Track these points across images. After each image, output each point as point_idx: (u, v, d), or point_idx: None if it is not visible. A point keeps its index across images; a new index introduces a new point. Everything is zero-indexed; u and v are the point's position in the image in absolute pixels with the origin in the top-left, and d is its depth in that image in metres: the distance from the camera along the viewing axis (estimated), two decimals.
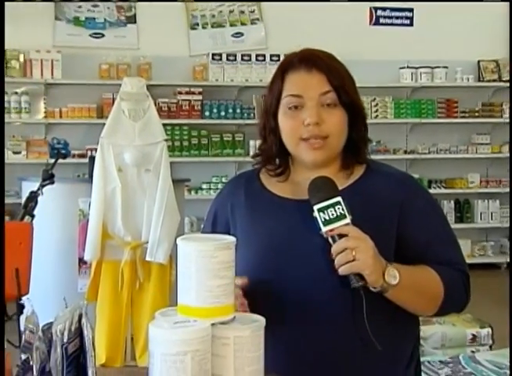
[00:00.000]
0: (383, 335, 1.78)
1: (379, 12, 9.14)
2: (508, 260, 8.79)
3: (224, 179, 8.56)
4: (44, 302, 3.08)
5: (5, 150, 8.14)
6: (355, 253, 1.67)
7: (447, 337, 4.10)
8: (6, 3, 7.99)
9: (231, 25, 8.83)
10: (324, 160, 1.88)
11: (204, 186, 8.54)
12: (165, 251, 4.97)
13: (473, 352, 3.90)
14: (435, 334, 4.01)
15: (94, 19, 8.53)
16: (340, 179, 1.86)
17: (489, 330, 4.24)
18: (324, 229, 1.71)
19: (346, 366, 1.82)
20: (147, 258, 4.98)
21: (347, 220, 1.70)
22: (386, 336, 1.81)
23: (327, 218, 1.71)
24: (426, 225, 1.88)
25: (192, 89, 8.58)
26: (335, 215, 1.70)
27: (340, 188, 1.80)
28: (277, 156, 1.95)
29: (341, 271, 1.69)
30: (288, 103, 1.87)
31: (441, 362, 3.34)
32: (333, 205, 1.71)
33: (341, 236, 1.69)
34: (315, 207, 1.73)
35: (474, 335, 4.12)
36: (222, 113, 8.62)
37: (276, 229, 1.87)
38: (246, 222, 1.93)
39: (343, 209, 1.71)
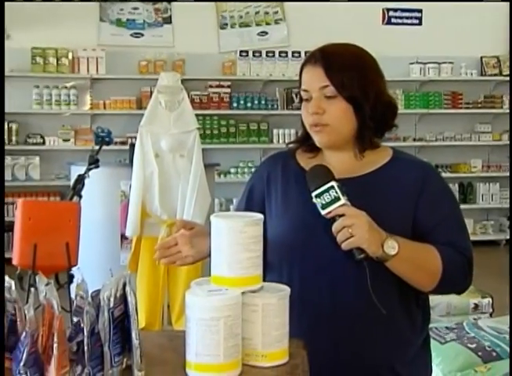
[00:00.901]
0: (391, 303, 1.78)
1: (391, 13, 9.09)
2: (507, 237, 8.83)
3: (250, 164, 8.57)
4: (90, 273, 3.10)
5: (56, 137, 8.20)
6: (351, 230, 1.67)
7: (452, 305, 4.10)
8: (56, 6, 8.03)
9: (257, 25, 8.80)
10: (331, 143, 1.88)
11: (232, 170, 8.55)
12: None
13: (475, 319, 3.90)
14: (441, 303, 4.01)
15: (134, 20, 8.54)
16: (362, 164, 1.86)
17: (490, 299, 4.24)
18: (323, 212, 1.72)
19: (359, 329, 1.82)
20: None
21: (342, 201, 1.70)
22: (394, 304, 1.81)
23: (324, 202, 1.71)
24: (438, 209, 1.86)
25: (221, 83, 8.58)
26: (330, 199, 1.71)
27: (366, 172, 1.81)
28: (310, 138, 1.93)
29: (343, 247, 1.70)
30: (302, 95, 1.88)
31: (446, 328, 3.34)
32: (327, 190, 1.71)
33: (339, 216, 1.70)
34: (313, 194, 1.74)
35: (476, 304, 4.11)
36: (249, 105, 8.61)
37: (308, 206, 1.86)
38: (282, 198, 1.92)
39: (336, 192, 1.71)
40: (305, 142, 1.96)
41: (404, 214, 1.81)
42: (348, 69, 1.83)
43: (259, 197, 1.97)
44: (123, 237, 5.42)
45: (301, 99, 1.91)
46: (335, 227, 1.70)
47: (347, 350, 1.81)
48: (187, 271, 5.08)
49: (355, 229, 1.67)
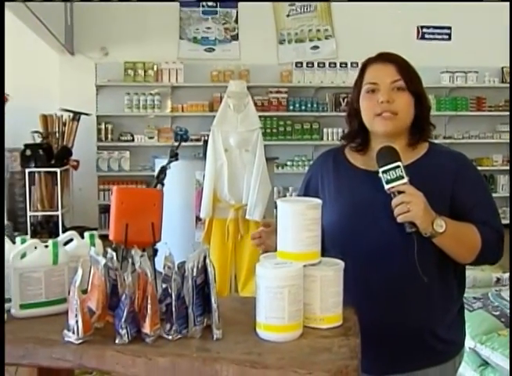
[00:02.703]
0: (432, 273, 1.75)
1: (424, 30, 8.94)
2: None
3: (303, 158, 8.53)
4: (170, 248, 3.14)
5: (143, 135, 8.29)
6: (409, 206, 1.65)
7: (477, 279, 4.00)
8: (144, 27, 8.12)
9: (310, 40, 8.72)
10: (393, 132, 1.83)
11: (289, 163, 8.51)
12: (260, 211, 4.99)
13: (497, 290, 3.81)
14: (468, 277, 3.89)
15: (207, 38, 8.56)
16: (407, 154, 1.82)
17: (509, 274, 4.13)
18: (386, 186, 1.69)
19: (403, 297, 1.78)
20: (246, 217, 5.00)
21: (405, 180, 1.68)
22: (435, 274, 1.77)
23: (389, 178, 1.69)
24: (473, 193, 1.82)
25: (279, 89, 8.54)
26: (395, 176, 1.68)
27: (407, 162, 1.76)
28: (358, 135, 1.91)
29: (399, 219, 1.67)
30: (367, 88, 1.84)
31: (474, 298, 3.27)
32: (394, 168, 1.69)
33: (400, 192, 1.67)
34: (380, 170, 1.71)
35: (498, 278, 4.01)
36: (303, 107, 8.56)
37: (356, 194, 1.84)
38: (333, 187, 1.89)
39: (401, 171, 1.68)
40: (355, 138, 1.92)
41: (442, 198, 1.77)
42: (410, 68, 1.85)
43: (315, 187, 1.95)
44: (197, 219, 5.47)
45: (358, 96, 1.86)
46: (395, 201, 1.68)
47: (393, 316, 1.78)
48: (251, 248, 5.08)
49: (412, 206, 1.65)
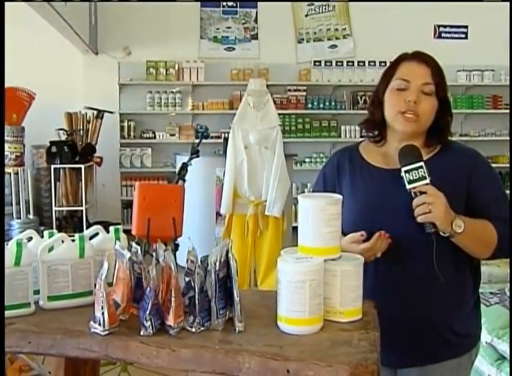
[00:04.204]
0: (449, 269, 1.75)
1: (441, 29, 8.85)
2: None
3: (321, 155, 8.50)
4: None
5: (164, 133, 8.31)
6: (430, 207, 1.64)
7: (493, 275, 3.99)
8: (166, 27, 8.13)
9: (328, 39, 8.66)
10: (412, 133, 1.81)
11: (307, 160, 8.48)
12: (279, 207, 4.99)
13: None
14: (484, 273, 3.87)
15: (227, 37, 8.55)
16: (422, 152, 1.80)
17: None
18: (408, 186, 1.68)
19: (420, 294, 1.78)
20: (266, 213, 5.01)
21: (427, 181, 1.67)
22: (451, 270, 1.77)
23: (411, 178, 1.68)
24: (488, 189, 1.81)
25: (298, 87, 8.49)
26: (418, 176, 1.67)
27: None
28: (378, 126, 1.89)
29: (419, 219, 1.67)
30: (397, 84, 1.81)
31: (491, 293, 3.25)
32: (416, 168, 1.68)
33: (421, 192, 1.66)
34: (403, 169, 1.69)
35: None
36: (321, 105, 8.51)
37: (372, 191, 1.83)
38: (349, 184, 1.88)
39: (424, 172, 1.67)
40: (373, 128, 1.91)
41: (457, 194, 1.76)
42: (442, 74, 1.83)
43: (331, 183, 1.94)
44: (217, 214, 5.48)
45: (385, 88, 1.84)
46: (416, 201, 1.67)
47: (409, 311, 1.78)
48: (270, 243, 5.09)
49: (433, 207, 1.64)
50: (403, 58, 1.85)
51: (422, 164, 1.68)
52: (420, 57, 1.83)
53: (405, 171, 1.68)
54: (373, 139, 1.91)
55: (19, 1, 5.22)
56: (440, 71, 1.82)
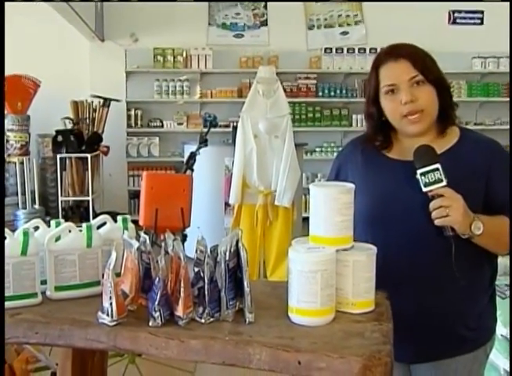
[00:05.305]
0: (466, 266, 1.72)
1: (456, 14, 8.77)
2: None
3: (332, 144, 8.49)
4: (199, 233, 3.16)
5: (172, 121, 8.32)
6: (448, 211, 1.62)
7: (507, 267, 3.96)
8: (173, 14, 8.11)
9: (339, 26, 8.63)
10: (424, 130, 1.79)
11: (317, 149, 8.47)
12: (289, 197, 4.99)
13: None
14: (500, 264, 3.86)
15: (236, 23, 8.53)
16: (439, 143, 1.78)
17: None
18: (424, 189, 1.66)
19: (434, 287, 1.76)
20: (275, 203, 5.01)
21: (444, 183, 1.64)
22: (467, 267, 1.74)
23: (427, 181, 1.65)
24: (507, 181, 1.76)
25: (308, 75, 8.47)
26: (434, 179, 1.65)
27: (440, 151, 1.73)
28: (381, 133, 1.85)
29: (436, 223, 1.65)
30: (386, 90, 1.78)
31: (506, 285, 3.23)
32: (432, 171, 1.65)
33: (438, 195, 1.64)
34: (418, 172, 1.67)
35: None
36: (332, 94, 8.49)
37: (385, 184, 1.80)
38: (362, 176, 1.85)
39: (440, 174, 1.64)
40: (376, 137, 1.87)
41: (476, 188, 1.74)
42: (425, 57, 1.78)
43: (344, 174, 1.92)
44: (226, 205, 5.49)
45: (376, 96, 1.81)
46: (433, 205, 1.64)
47: (422, 306, 1.76)
48: (279, 234, 5.09)
49: (451, 211, 1.62)
50: (379, 62, 1.80)
51: (438, 166, 1.65)
52: (394, 53, 1.78)
53: (421, 174, 1.66)
54: (380, 147, 1.87)
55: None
56: (421, 56, 1.77)
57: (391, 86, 1.76)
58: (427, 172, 1.65)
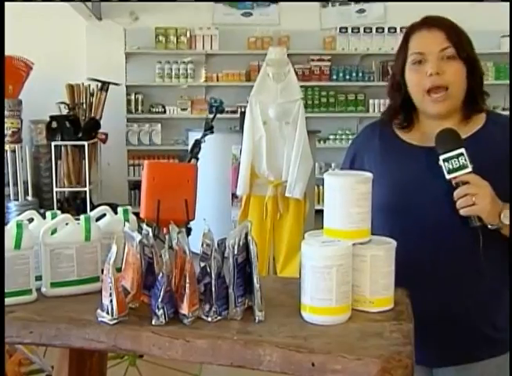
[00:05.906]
0: (493, 261, 1.71)
1: None
2: None
3: (347, 131, 8.48)
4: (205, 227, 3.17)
5: (175, 107, 8.32)
6: (474, 199, 1.61)
7: None
8: None
9: (355, 3, 8.61)
10: (447, 112, 1.78)
11: (331, 137, 8.47)
12: (301, 188, 4.99)
13: None
14: None
15: (244, 1, 8.52)
16: (462, 129, 1.76)
17: None
18: (448, 176, 1.64)
19: (458, 284, 1.76)
20: (286, 194, 5.01)
21: (469, 169, 1.62)
22: (496, 262, 1.74)
23: (451, 167, 1.64)
24: None
25: (322, 57, 8.48)
26: (458, 165, 1.63)
27: (464, 136, 1.71)
28: (402, 111, 1.86)
29: (462, 212, 1.63)
30: (413, 60, 1.78)
31: None
32: (457, 156, 1.63)
33: (464, 182, 1.63)
34: (441, 157, 1.65)
35: None
36: (347, 77, 8.49)
37: (405, 171, 1.80)
38: (380, 163, 1.85)
39: (465, 160, 1.63)
40: (397, 114, 1.87)
41: (504, 174, 1.72)
42: (461, 33, 1.78)
43: (359, 162, 1.92)
44: (233, 196, 5.49)
45: (402, 67, 1.81)
46: (458, 193, 1.63)
47: (448, 306, 1.75)
48: (290, 227, 5.10)
49: (478, 199, 1.61)
50: (412, 30, 1.81)
51: (463, 150, 1.64)
52: (429, 22, 1.78)
53: (444, 160, 1.64)
54: (399, 125, 1.87)
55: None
56: (457, 30, 1.78)
57: (418, 55, 1.76)
58: (451, 158, 1.64)
